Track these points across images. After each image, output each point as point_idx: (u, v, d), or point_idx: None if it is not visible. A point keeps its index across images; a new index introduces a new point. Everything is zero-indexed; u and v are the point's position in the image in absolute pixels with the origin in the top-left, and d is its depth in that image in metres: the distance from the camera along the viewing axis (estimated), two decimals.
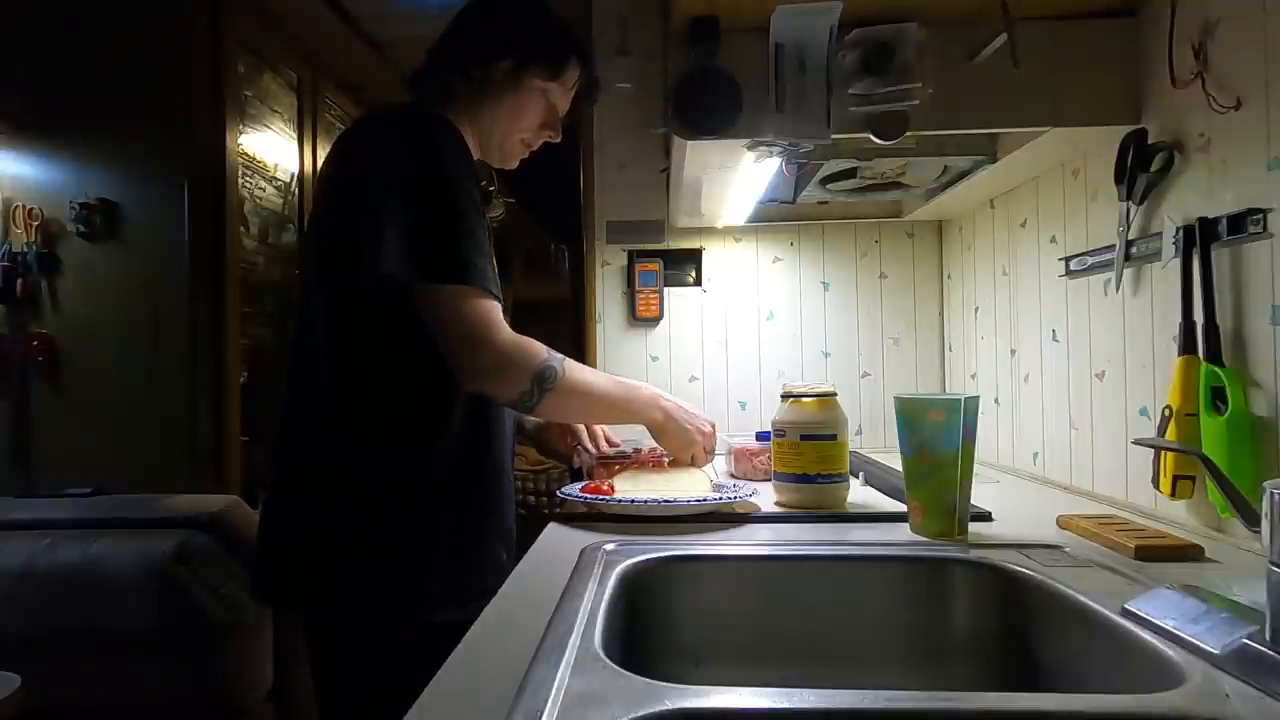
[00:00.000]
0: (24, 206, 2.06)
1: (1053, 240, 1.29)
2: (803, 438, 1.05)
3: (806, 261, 1.80)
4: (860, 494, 1.16)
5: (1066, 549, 0.82)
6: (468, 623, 0.63)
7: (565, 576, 0.75)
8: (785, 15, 0.96)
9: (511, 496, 1.04)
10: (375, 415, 0.92)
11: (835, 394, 1.08)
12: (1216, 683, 0.50)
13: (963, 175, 1.37)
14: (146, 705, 1.50)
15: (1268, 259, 0.82)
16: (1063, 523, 0.93)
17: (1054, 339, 1.29)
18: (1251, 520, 0.56)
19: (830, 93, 1.00)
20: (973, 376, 1.63)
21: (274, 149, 2.47)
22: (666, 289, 1.78)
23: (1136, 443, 0.87)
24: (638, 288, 1.76)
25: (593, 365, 1.69)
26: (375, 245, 0.86)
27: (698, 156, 1.21)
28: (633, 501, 0.99)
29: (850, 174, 1.36)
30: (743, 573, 0.84)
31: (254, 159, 2.35)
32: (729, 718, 0.47)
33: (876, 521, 0.98)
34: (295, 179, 2.61)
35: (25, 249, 2.04)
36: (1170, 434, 0.90)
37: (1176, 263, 0.93)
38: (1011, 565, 0.77)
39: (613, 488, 1.06)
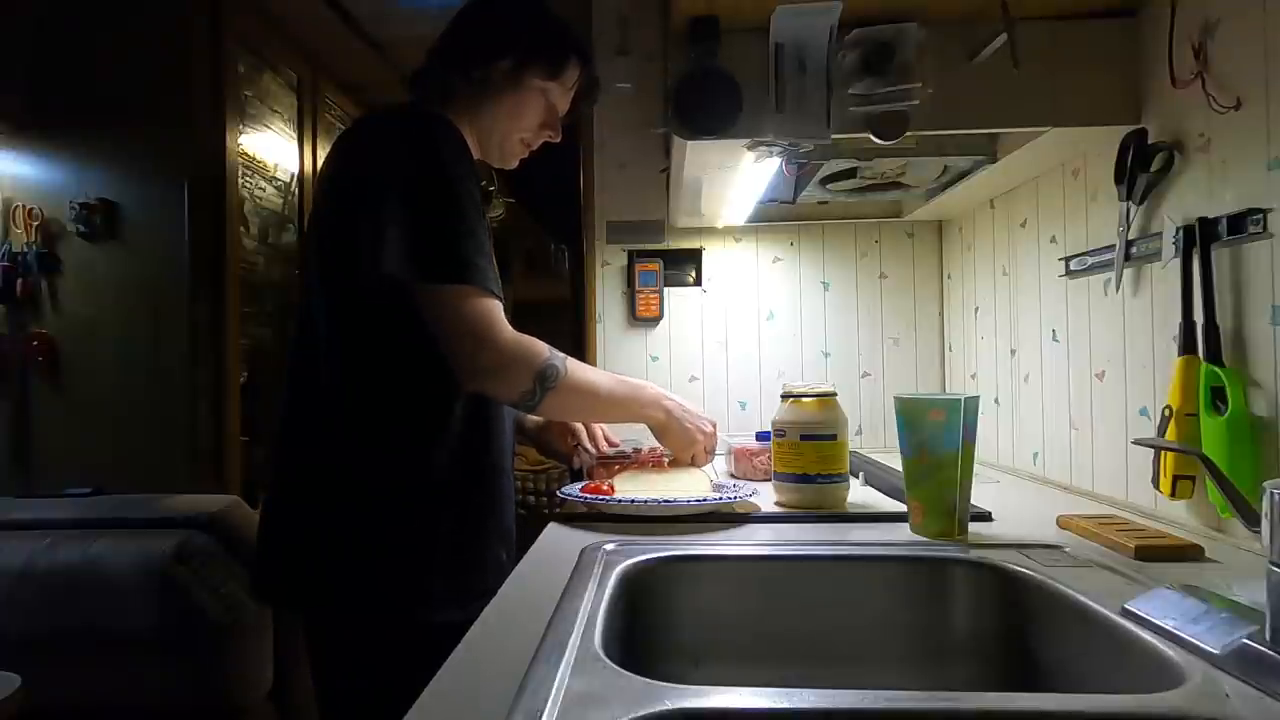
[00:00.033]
0: (24, 206, 2.06)
1: (1053, 240, 1.29)
2: (803, 438, 1.05)
3: (806, 261, 1.80)
4: (860, 494, 1.16)
5: (1066, 549, 0.82)
6: (468, 623, 0.63)
7: (565, 576, 0.75)
8: (785, 15, 0.96)
9: (511, 496, 1.04)
10: (375, 415, 0.92)
11: (835, 394, 1.08)
12: (1216, 683, 0.50)
13: (963, 175, 1.37)
14: (146, 705, 1.50)
15: (1268, 259, 0.82)
16: (1063, 523, 0.93)
17: (1054, 339, 1.29)
18: (1251, 520, 0.56)
19: (830, 93, 1.00)
20: (973, 376, 1.63)
21: (274, 149, 2.47)
22: (666, 289, 1.78)
23: (1136, 443, 0.87)
24: (638, 288, 1.76)
25: (593, 365, 1.69)
26: (376, 245, 0.86)
27: (698, 156, 1.21)
28: (633, 501, 0.99)
29: (850, 174, 1.36)
30: (743, 573, 0.84)
31: (254, 159, 2.35)
32: (729, 718, 0.47)
33: (876, 521, 0.98)
34: (295, 179, 2.61)
35: (25, 249, 2.04)
36: (1170, 434, 0.90)
37: (1176, 263, 0.93)
38: (1011, 565, 0.77)
39: (613, 488, 1.06)
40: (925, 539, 0.88)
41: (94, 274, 2.06)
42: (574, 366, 0.96)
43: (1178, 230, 0.92)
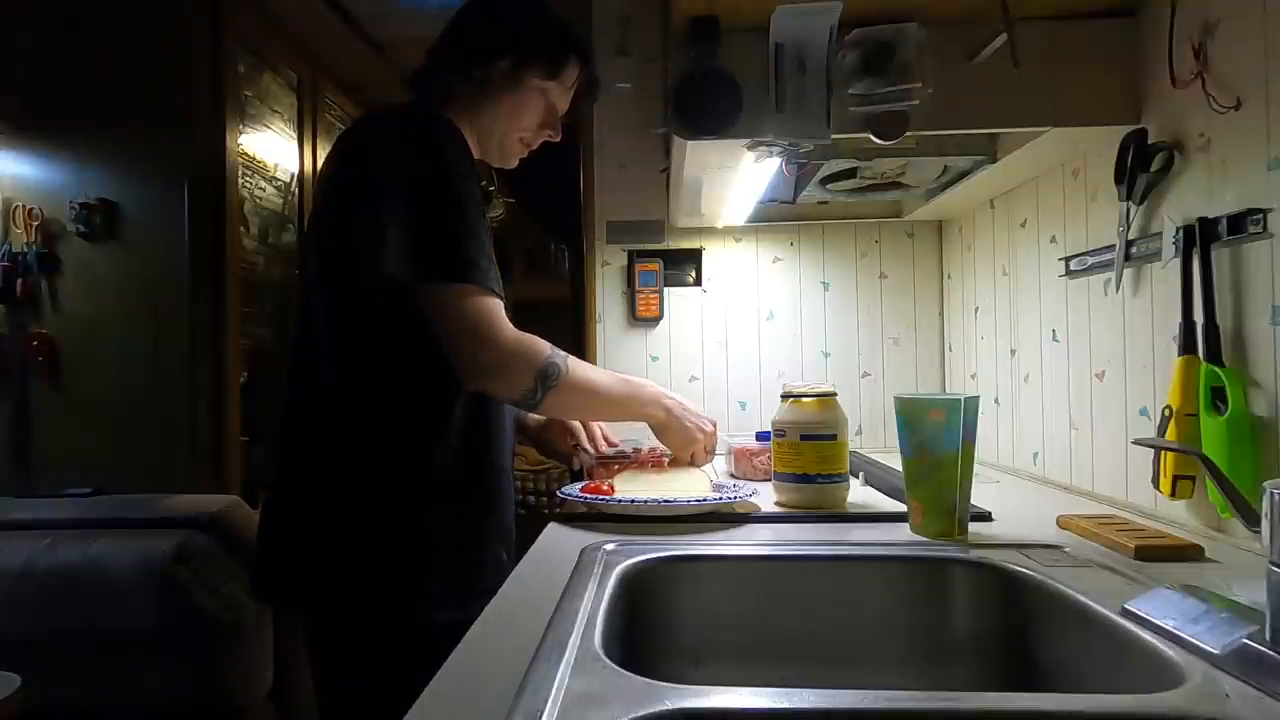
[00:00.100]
0: (24, 206, 2.06)
1: (1053, 240, 1.29)
2: (803, 438, 1.05)
3: (806, 261, 1.80)
4: (860, 494, 1.16)
5: (1066, 549, 0.82)
6: (468, 622, 0.63)
7: (565, 576, 0.75)
8: (785, 15, 0.96)
9: (511, 496, 1.04)
10: (375, 415, 0.92)
11: (835, 394, 1.08)
12: (1216, 683, 0.50)
13: (963, 175, 1.37)
14: (146, 705, 1.50)
15: (1268, 259, 0.82)
16: (1063, 523, 0.93)
17: (1054, 339, 1.29)
18: (1251, 520, 0.56)
19: (830, 93, 1.00)
20: (973, 376, 1.63)
21: (274, 149, 2.47)
22: (666, 289, 1.78)
23: (1136, 443, 0.87)
24: (638, 288, 1.76)
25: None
26: (377, 245, 0.86)
27: (698, 156, 1.21)
28: (633, 501, 0.99)
29: (850, 174, 1.36)
30: (743, 573, 0.84)
31: (254, 159, 2.35)
32: (729, 718, 0.47)
33: (876, 521, 0.98)
34: (295, 179, 2.61)
35: (25, 249, 2.04)
36: (1170, 434, 0.90)
37: (1176, 263, 0.93)
38: (1011, 565, 0.77)
39: (613, 488, 1.06)
40: (925, 539, 0.88)
41: (94, 274, 2.05)
42: (575, 365, 0.96)
43: (1178, 230, 0.92)
